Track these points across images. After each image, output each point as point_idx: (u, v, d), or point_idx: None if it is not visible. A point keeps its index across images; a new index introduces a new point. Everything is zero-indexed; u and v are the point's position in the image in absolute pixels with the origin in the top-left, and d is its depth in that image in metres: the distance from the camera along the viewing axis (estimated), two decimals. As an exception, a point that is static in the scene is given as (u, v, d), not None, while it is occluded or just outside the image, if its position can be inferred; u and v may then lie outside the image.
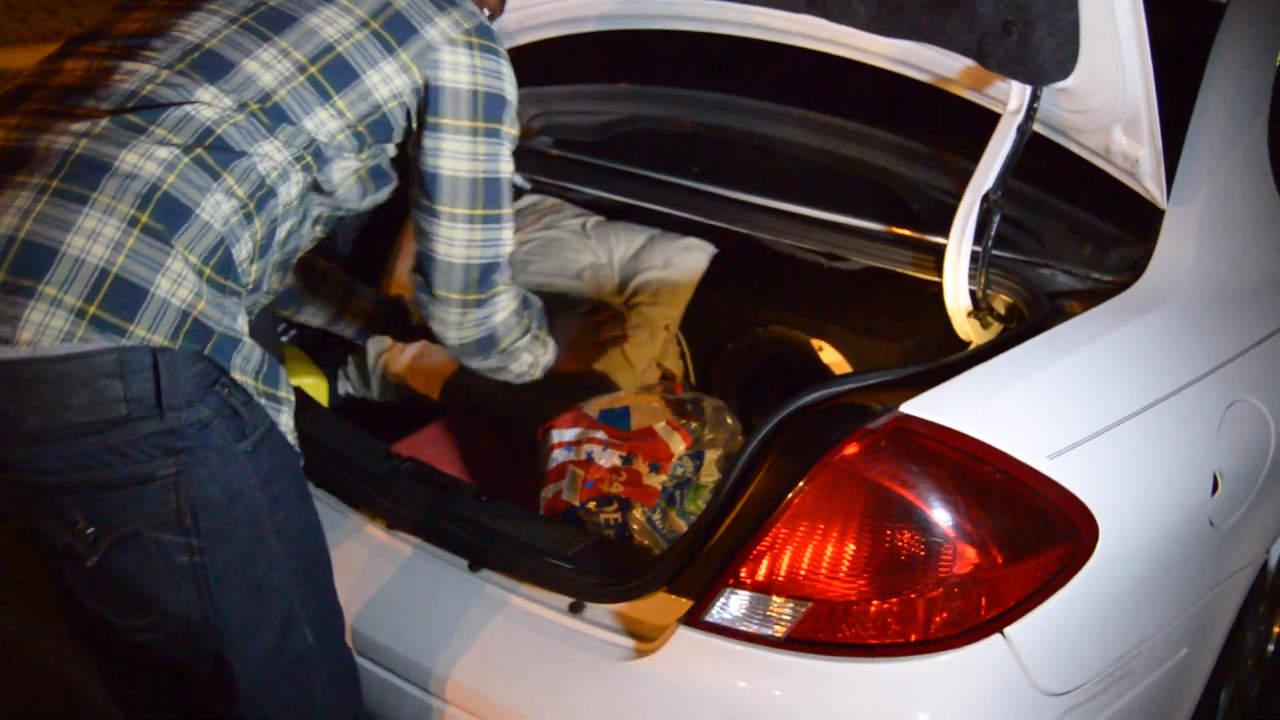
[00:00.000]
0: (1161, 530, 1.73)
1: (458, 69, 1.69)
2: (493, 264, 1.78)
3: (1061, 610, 1.58)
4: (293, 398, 1.63)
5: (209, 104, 1.54)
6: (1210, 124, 2.06)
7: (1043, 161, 1.98)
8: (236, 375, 1.51)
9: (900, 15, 1.93)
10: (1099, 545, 1.59)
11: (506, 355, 1.90)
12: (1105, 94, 1.82)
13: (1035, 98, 1.83)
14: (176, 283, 1.44)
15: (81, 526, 1.45)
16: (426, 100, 1.69)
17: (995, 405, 1.61)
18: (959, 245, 1.89)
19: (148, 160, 1.47)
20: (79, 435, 1.41)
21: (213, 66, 1.57)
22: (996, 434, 1.55)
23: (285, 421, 1.60)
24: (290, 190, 1.61)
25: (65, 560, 1.50)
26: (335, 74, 1.63)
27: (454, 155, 1.71)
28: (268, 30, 1.62)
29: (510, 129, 1.75)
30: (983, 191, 1.87)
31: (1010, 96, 1.87)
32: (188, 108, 1.53)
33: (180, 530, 1.47)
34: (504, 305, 1.82)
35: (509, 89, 1.74)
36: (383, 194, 1.81)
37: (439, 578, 1.86)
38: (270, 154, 1.57)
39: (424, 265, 1.79)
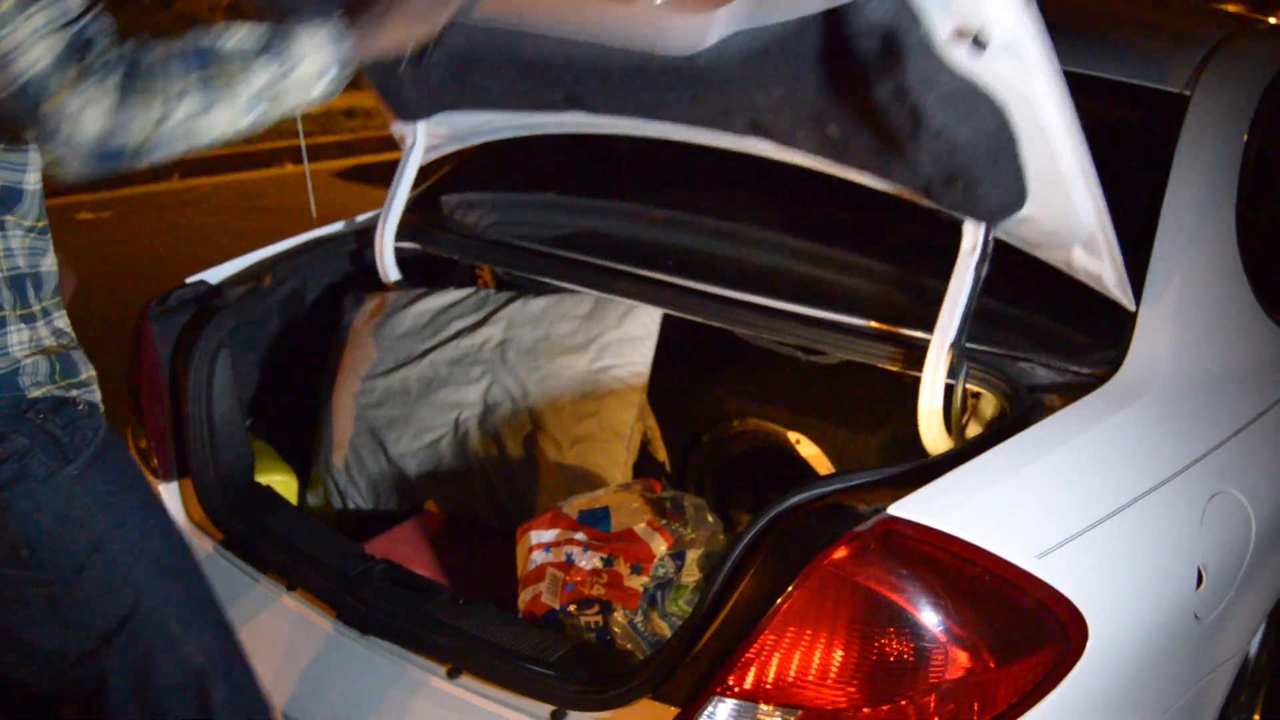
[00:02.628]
0: (1149, 627, 1.72)
1: None
2: None
3: (1053, 712, 1.55)
4: (94, 371, 1.62)
5: None
6: (1179, 214, 2.08)
7: (1016, 256, 1.99)
8: (36, 393, 1.49)
9: (845, 150, 1.94)
10: (1088, 645, 1.57)
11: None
12: (1059, 222, 1.82)
13: (989, 235, 1.83)
14: None
15: None
16: None
17: (982, 505, 1.60)
18: (931, 392, 1.88)
19: None
20: None
21: None
22: (985, 534, 1.54)
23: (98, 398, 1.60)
24: None
25: None
26: None
27: None
28: None
29: None
30: (949, 343, 1.86)
31: (964, 235, 1.87)
32: None
33: (21, 564, 1.47)
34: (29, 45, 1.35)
35: None
36: None
37: (416, 685, 1.82)
38: None
39: None
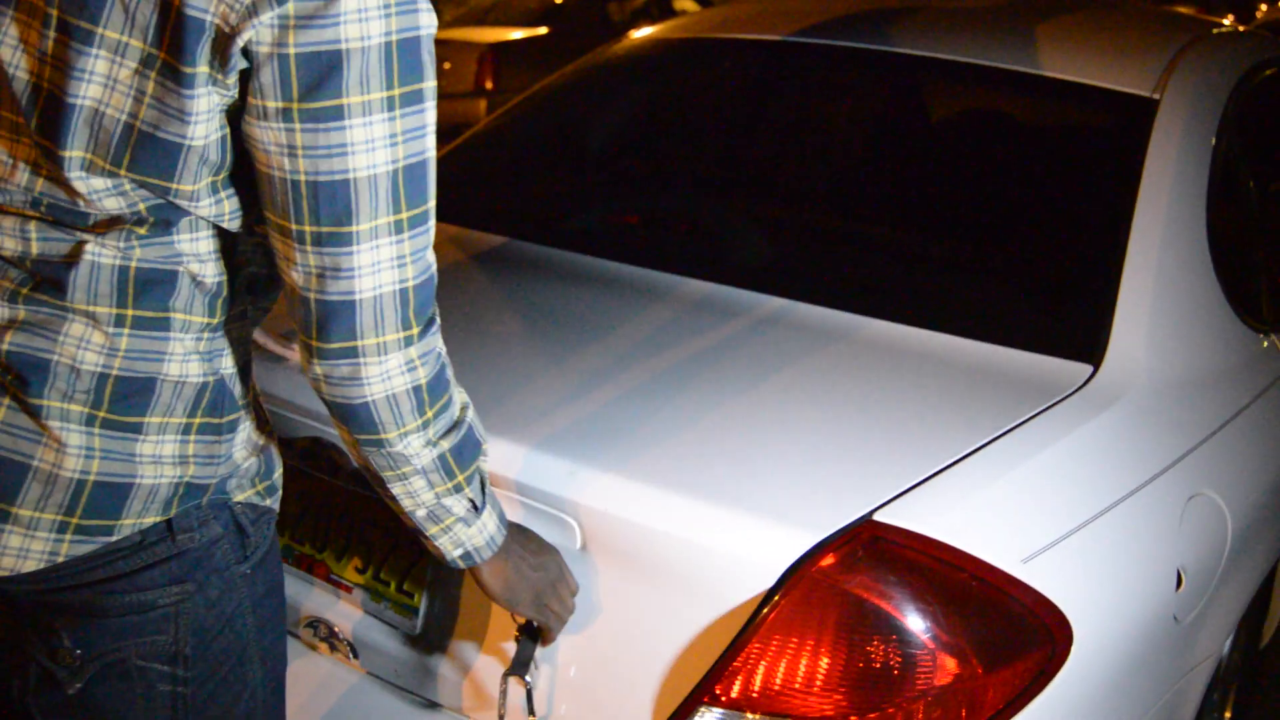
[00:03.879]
0: (1131, 629, 1.72)
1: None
2: (428, 281, 1.27)
3: (1038, 717, 1.55)
4: (281, 467, 1.50)
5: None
6: (1152, 217, 2.09)
7: (994, 260, 1.99)
8: (239, 497, 1.39)
9: None
10: (1073, 648, 1.57)
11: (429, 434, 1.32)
12: None
13: None
14: (157, 464, 1.31)
15: (67, 651, 1.32)
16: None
17: (967, 509, 1.59)
18: None
19: (85, 350, 1.28)
20: (86, 561, 1.31)
21: None
22: (971, 539, 1.54)
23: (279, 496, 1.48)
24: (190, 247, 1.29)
25: (36, 684, 1.36)
26: None
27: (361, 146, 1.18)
28: None
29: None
30: None
31: None
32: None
33: (169, 660, 1.35)
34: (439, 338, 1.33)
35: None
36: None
37: (399, 713, 1.80)
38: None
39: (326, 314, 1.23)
